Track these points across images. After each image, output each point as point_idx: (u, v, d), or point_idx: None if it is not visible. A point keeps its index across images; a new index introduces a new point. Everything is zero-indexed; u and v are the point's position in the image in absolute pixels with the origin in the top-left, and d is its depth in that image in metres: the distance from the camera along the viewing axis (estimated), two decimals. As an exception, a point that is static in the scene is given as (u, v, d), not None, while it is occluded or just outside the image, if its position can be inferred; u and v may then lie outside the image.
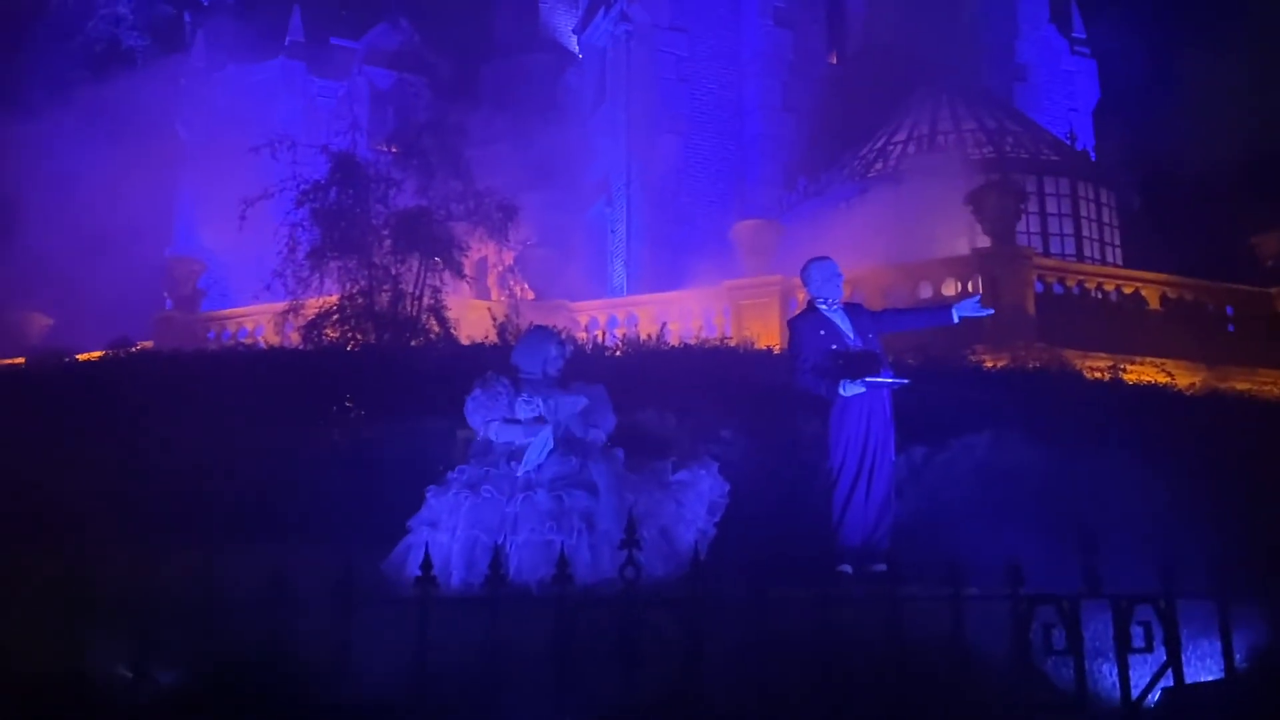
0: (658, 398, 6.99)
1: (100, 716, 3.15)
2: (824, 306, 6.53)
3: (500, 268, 16.90)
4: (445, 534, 5.56)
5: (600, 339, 15.58)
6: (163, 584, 3.89)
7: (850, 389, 6.22)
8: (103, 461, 7.71)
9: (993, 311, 6.63)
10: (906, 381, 6.42)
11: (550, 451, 5.76)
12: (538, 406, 5.91)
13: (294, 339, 13.76)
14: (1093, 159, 22.69)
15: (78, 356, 14.48)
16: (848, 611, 4.04)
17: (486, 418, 5.91)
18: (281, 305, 14.11)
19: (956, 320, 6.67)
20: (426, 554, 3.94)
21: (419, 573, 3.85)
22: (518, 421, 5.88)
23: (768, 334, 15.45)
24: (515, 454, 5.80)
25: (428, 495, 5.83)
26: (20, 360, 15.60)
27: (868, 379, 6.22)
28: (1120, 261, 20.81)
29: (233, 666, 3.35)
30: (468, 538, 5.47)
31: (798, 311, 6.95)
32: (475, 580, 5.15)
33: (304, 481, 7.48)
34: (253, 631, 3.56)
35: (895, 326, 7.15)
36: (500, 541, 5.39)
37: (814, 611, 3.97)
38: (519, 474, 5.68)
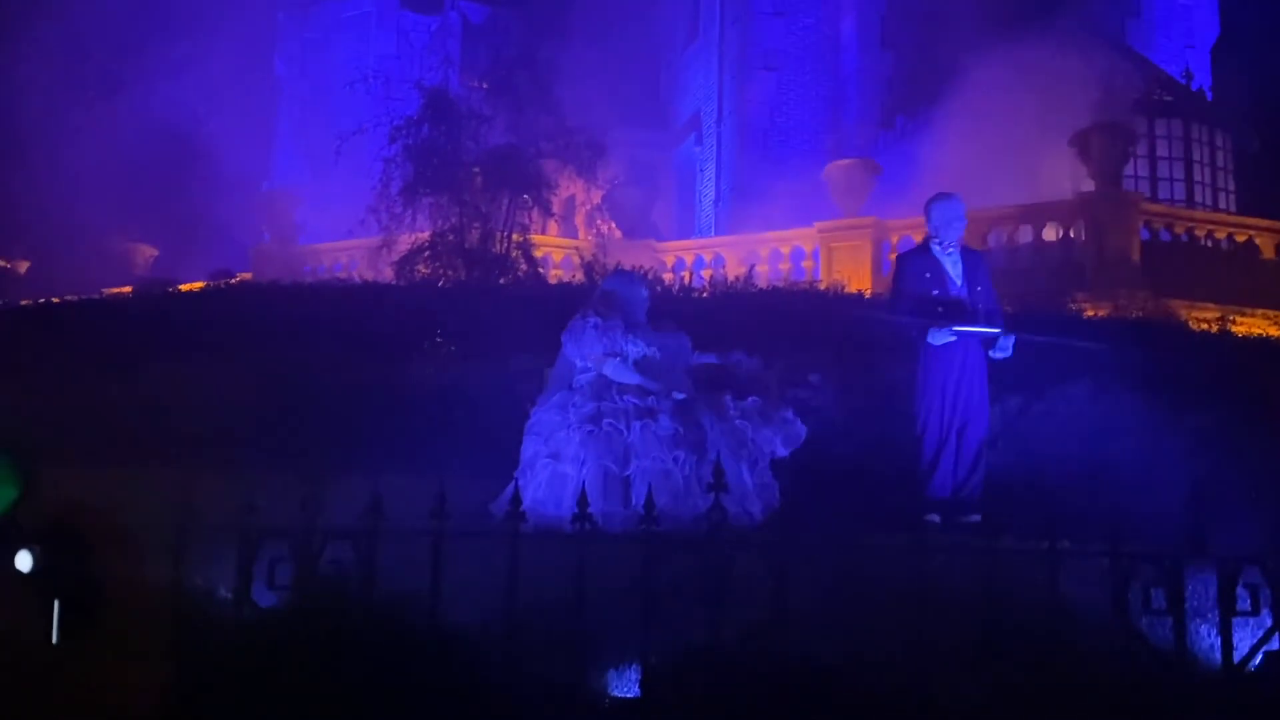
0: (744, 341, 6.93)
1: (201, 636, 3.28)
2: (937, 247, 6.32)
3: (588, 206, 16.86)
4: (570, 466, 5.66)
5: (687, 280, 15.50)
6: (261, 509, 4.00)
7: (939, 337, 6.06)
8: (203, 390, 7.97)
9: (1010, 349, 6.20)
10: (997, 331, 6.20)
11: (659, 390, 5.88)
12: (643, 347, 5.94)
13: (387, 274, 13.98)
14: (1208, 99, 21.58)
15: (181, 287, 14.98)
16: (940, 561, 3.98)
17: (609, 348, 5.92)
18: (375, 240, 14.32)
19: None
20: (515, 489, 3.99)
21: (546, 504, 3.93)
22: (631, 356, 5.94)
23: (859, 277, 15.18)
24: (620, 386, 5.85)
25: (531, 431, 5.90)
26: (128, 289, 16.20)
27: (957, 328, 6.05)
28: (1234, 208, 19.86)
29: (330, 592, 3.46)
30: (599, 468, 5.59)
31: (912, 247, 6.75)
32: (612, 509, 5.30)
33: (396, 414, 7.63)
34: (349, 558, 3.66)
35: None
36: (628, 472, 5.58)
37: (905, 559, 3.93)
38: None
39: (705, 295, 12.22)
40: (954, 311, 6.12)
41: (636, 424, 5.68)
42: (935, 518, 6.04)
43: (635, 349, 5.96)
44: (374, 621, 3.37)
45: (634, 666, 3.63)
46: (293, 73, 26.29)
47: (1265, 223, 16.52)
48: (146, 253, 21.28)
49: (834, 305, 11.38)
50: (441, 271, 13.60)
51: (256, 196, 21.02)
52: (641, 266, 12.70)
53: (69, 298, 13.92)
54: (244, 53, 24.76)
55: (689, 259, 17.76)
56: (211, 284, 14.68)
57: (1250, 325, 12.19)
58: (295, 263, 17.91)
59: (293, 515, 3.89)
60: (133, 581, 3.43)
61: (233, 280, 15.34)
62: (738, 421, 6.01)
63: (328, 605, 3.42)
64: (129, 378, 8.36)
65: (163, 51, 23.59)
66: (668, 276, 15.39)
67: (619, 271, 7.24)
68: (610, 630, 3.69)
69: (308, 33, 26.24)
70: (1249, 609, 3.86)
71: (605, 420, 5.72)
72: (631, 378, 5.86)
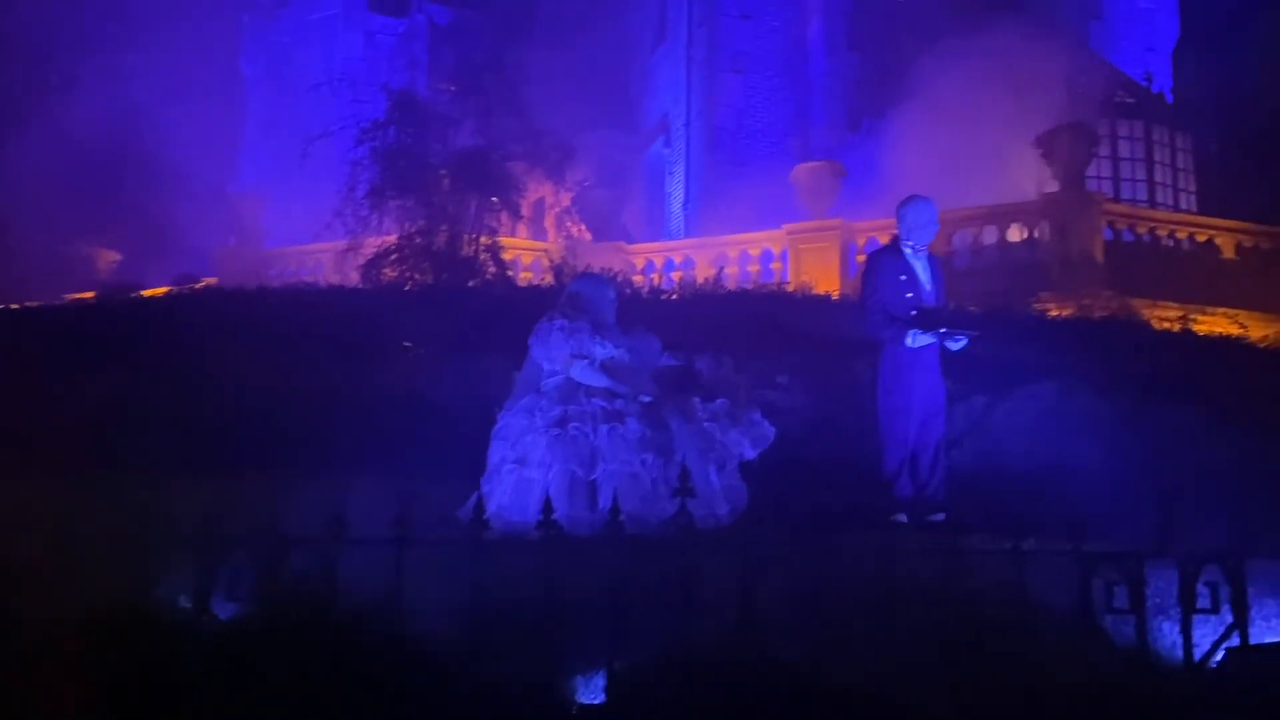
0: (714, 342, 6.94)
1: (160, 649, 3.23)
2: (909, 249, 6.35)
3: (557, 209, 16.86)
4: (536, 470, 5.62)
5: (657, 282, 15.52)
6: (225, 518, 3.95)
7: (920, 339, 6.09)
8: (168, 396, 7.87)
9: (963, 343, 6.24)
10: (977, 333, 6.26)
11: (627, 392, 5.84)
12: (610, 349, 5.90)
13: (354, 278, 13.89)
14: (1169, 101, 21.90)
15: (144, 292, 14.81)
16: (907, 562, 4.00)
17: (576, 350, 5.87)
18: (341, 244, 14.24)
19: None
20: (480, 499, 3.97)
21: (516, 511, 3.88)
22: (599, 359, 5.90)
23: (827, 279, 15.25)
24: (588, 389, 5.81)
25: (498, 436, 5.85)
26: (90, 295, 15.99)
27: (941, 330, 6.09)
28: (1194, 208, 20.15)
29: (293, 602, 3.42)
30: (564, 473, 5.56)
31: (882, 247, 6.75)
32: (577, 514, 5.27)
33: (364, 419, 7.57)
34: (312, 567, 3.63)
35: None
36: (595, 476, 5.53)
37: (872, 560, 3.95)
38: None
39: (675, 297, 12.24)
40: (931, 315, 6.16)
41: (604, 427, 5.64)
42: (902, 517, 6.08)
43: (603, 351, 5.93)
44: (337, 631, 3.34)
45: (601, 673, 3.62)
46: (258, 75, 26.08)
47: (1225, 223, 16.77)
48: (109, 258, 21.02)
49: (802, 307, 11.43)
50: (409, 275, 13.54)
51: (222, 200, 20.81)
52: (611, 269, 12.70)
53: (30, 304, 13.72)
54: (209, 55, 24.54)
55: (659, 261, 17.79)
56: (176, 289, 14.53)
57: (1211, 324, 12.36)
58: (261, 266, 17.75)
59: (255, 523, 3.85)
60: (87, 593, 3.37)
61: (198, 285, 15.19)
62: (706, 424, 6.00)
63: (290, 616, 3.38)
64: (90, 384, 8.24)
65: (126, 54, 23.33)
66: (638, 278, 15.40)
67: (586, 273, 7.21)
68: (577, 636, 3.68)
69: (274, 35, 26.04)
70: (1209, 607, 3.90)
71: (571, 424, 5.67)
72: (599, 380, 5.83)
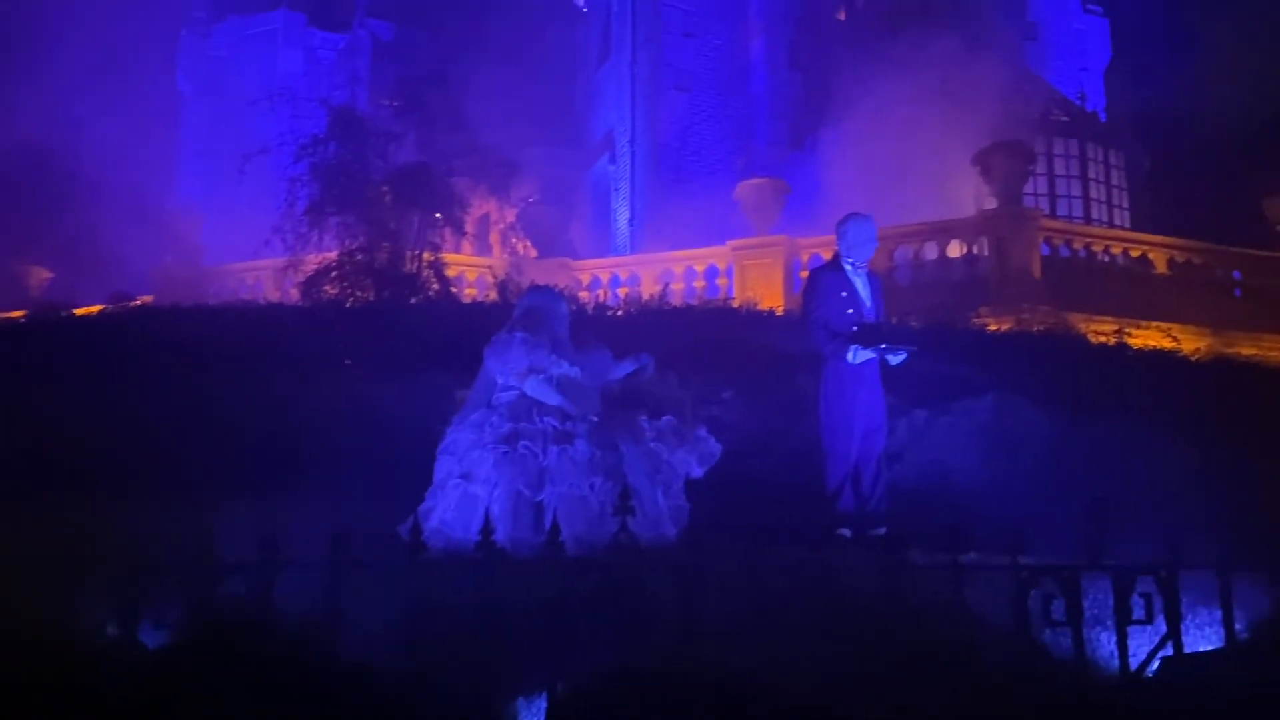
0: (659, 358, 6.94)
1: (85, 679, 3.11)
2: (849, 266, 6.41)
3: (502, 225, 16.79)
4: (481, 487, 5.52)
5: (602, 298, 15.51)
6: (156, 542, 3.84)
7: (861, 355, 6.15)
8: (100, 417, 7.67)
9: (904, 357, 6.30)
10: (916, 348, 6.34)
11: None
12: (566, 367, 5.83)
13: (293, 295, 13.68)
14: (1102, 120, 22.44)
15: (77, 311, 14.44)
16: (850, 576, 4.01)
17: (534, 364, 5.77)
18: (281, 261, 14.03)
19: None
20: (415, 520, 3.90)
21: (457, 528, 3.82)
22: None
23: (771, 295, 15.35)
24: (540, 408, 5.73)
25: (446, 450, 5.75)
26: (20, 314, 15.55)
27: (882, 345, 6.16)
28: (1128, 224, 20.65)
29: (224, 629, 3.32)
30: (510, 492, 5.46)
31: (823, 263, 6.81)
32: (521, 535, 5.18)
33: (303, 438, 7.44)
34: (244, 592, 3.54)
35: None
36: (542, 497, 5.42)
37: (814, 576, 3.95)
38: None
39: (620, 313, 12.21)
40: (871, 330, 6.22)
41: (554, 448, 5.55)
42: (846, 532, 6.11)
43: (559, 369, 5.86)
44: (270, 658, 3.25)
45: (543, 695, 3.57)
46: (196, 90, 25.72)
47: (1158, 238, 17.18)
48: (41, 275, 20.51)
49: (746, 322, 11.48)
50: (350, 292, 13.37)
51: (159, 216, 20.42)
52: (557, 285, 12.64)
53: (-44, 323, 13.31)
54: (145, 70, 24.14)
55: (605, 277, 17.78)
56: (111, 307, 14.19)
57: (1145, 338, 12.61)
58: (199, 284, 17.44)
59: (187, 547, 3.75)
60: (7, 619, 3.25)
61: (133, 303, 14.85)
62: (653, 444, 5.96)
63: (221, 643, 3.28)
64: (20, 405, 8.01)
65: (58, 67, 22.85)
66: (584, 295, 15.37)
67: (538, 287, 7.11)
68: (518, 659, 3.63)
69: (211, 50, 25.71)
70: (1144, 618, 3.96)
71: (521, 442, 5.59)
72: (552, 398, 5.75)
